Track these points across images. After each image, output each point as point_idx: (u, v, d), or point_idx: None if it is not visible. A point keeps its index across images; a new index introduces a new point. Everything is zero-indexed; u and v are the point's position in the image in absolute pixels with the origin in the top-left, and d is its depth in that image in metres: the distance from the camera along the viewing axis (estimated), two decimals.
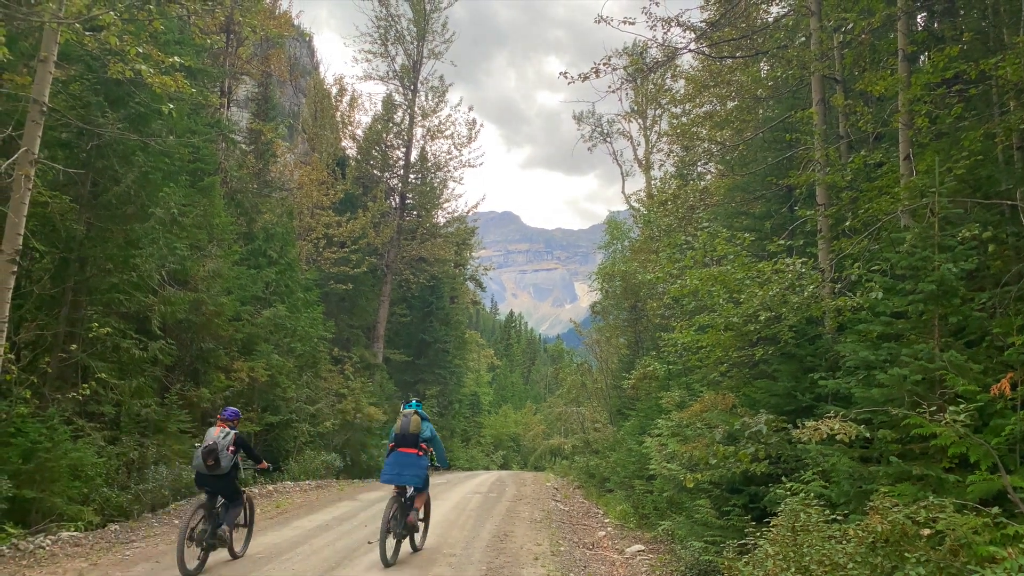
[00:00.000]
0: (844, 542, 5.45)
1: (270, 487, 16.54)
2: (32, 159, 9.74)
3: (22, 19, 10.11)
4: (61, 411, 10.73)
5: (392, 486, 9.00)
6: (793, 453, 7.99)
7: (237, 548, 8.72)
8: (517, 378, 78.31)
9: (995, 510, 5.05)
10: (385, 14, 33.63)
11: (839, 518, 5.98)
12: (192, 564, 7.76)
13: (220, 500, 8.37)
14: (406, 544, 9.11)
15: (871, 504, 5.58)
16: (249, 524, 9.09)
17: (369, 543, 9.63)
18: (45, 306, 11.55)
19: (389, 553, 8.47)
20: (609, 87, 13.65)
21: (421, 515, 9.52)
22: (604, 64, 12.38)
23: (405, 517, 8.84)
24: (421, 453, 9.15)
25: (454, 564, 8.80)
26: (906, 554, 5.04)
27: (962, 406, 5.59)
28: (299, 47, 57.37)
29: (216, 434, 8.26)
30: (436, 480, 22.74)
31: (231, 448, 8.26)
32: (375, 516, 12.77)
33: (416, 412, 9.34)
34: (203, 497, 8.24)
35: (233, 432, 8.38)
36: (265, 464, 9.27)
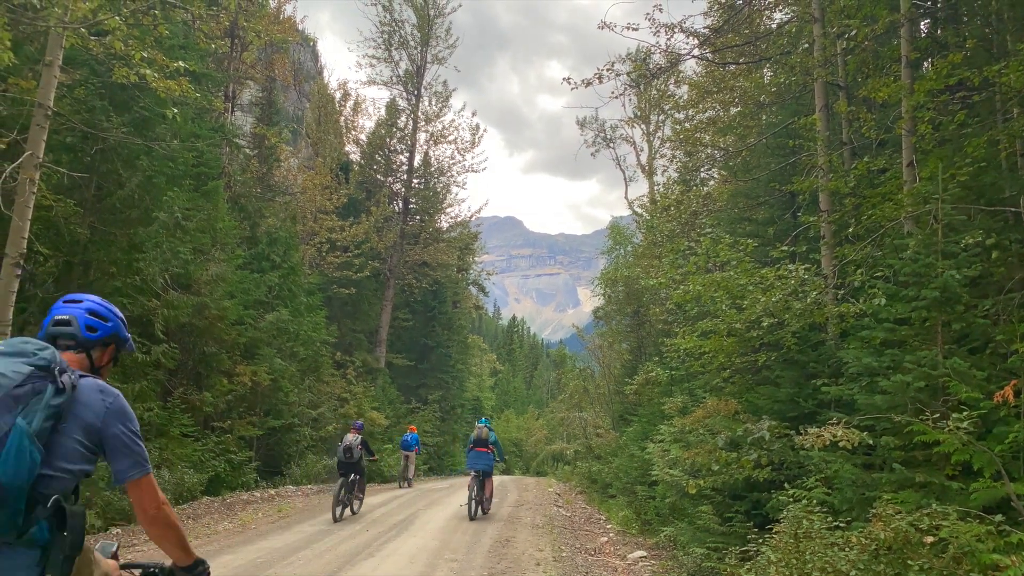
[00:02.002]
0: (847, 549, 5.44)
1: (272, 491, 16.54)
2: (37, 163, 9.78)
3: (28, 24, 10.15)
4: None
5: (471, 473, 13.90)
6: (796, 459, 7.97)
7: (355, 508, 13.68)
8: (519, 383, 78.26)
9: (998, 518, 5.04)
10: (389, 19, 33.76)
11: (842, 525, 5.97)
12: (338, 513, 12.59)
13: (351, 477, 13.32)
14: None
15: (874, 511, 5.57)
16: (361, 493, 14.01)
17: (461, 506, 14.28)
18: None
19: (474, 513, 13.40)
20: (612, 92, 13.68)
21: (489, 489, 14.23)
22: (607, 70, 12.41)
23: (483, 489, 13.76)
24: (490, 451, 14.01)
25: (456, 569, 8.79)
26: (909, 562, 5.02)
27: (965, 413, 5.57)
28: (303, 52, 57.59)
29: (351, 437, 13.65)
30: (439, 485, 22.75)
31: (359, 446, 13.56)
32: (377, 520, 12.77)
33: (486, 426, 14.53)
34: (341, 478, 13.22)
35: (360, 436, 13.78)
36: (376, 457, 15.84)
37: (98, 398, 2.26)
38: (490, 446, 14.06)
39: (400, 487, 20.35)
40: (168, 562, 2.53)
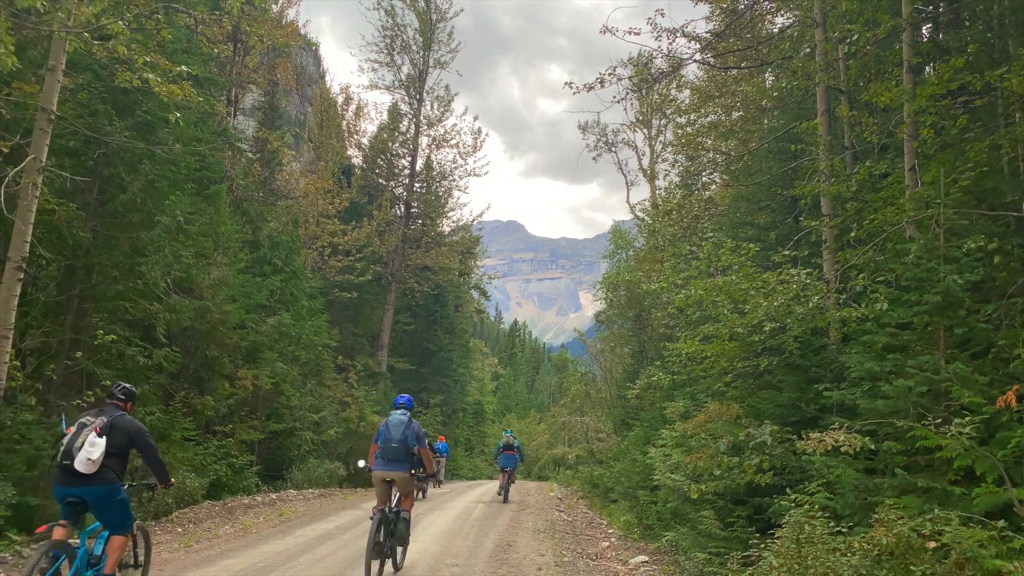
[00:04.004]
0: (849, 555, 5.43)
1: (273, 495, 16.53)
2: (40, 167, 9.80)
3: (31, 28, 10.18)
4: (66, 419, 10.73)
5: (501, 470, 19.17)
6: (798, 464, 7.96)
7: (423, 494, 18.39)
8: (521, 387, 78.18)
9: (1001, 523, 5.03)
10: (391, 24, 33.74)
11: (844, 530, 5.95)
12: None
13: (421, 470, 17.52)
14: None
15: (876, 516, 5.56)
16: (426, 484, 18.36)
17: (498, 493, 18.93)
18: (51, 313, 11.59)
19: (504, 497, 18.35)
20: (614, 97, 13.79)
21: (513, 482, 19.68)
22: (609, 74, 12.44)
23: (510, 481, 18.92)
24: (514, 453, 19.06)
25: (457, 574, 8.78)
26: (911, 567, 5.01)
27: (968, 418, 5.56)
28: (305, 56, 57.68)
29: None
30: (440, 490, 22.73)
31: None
32: None
33: (511, 435, 19.70)
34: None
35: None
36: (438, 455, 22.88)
37: (417, 425, 8.54)
38: (514, 450, 19.19)
39: (434, 487, 22.57)
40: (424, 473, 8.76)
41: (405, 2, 33.69)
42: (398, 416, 8.53)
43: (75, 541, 5.96)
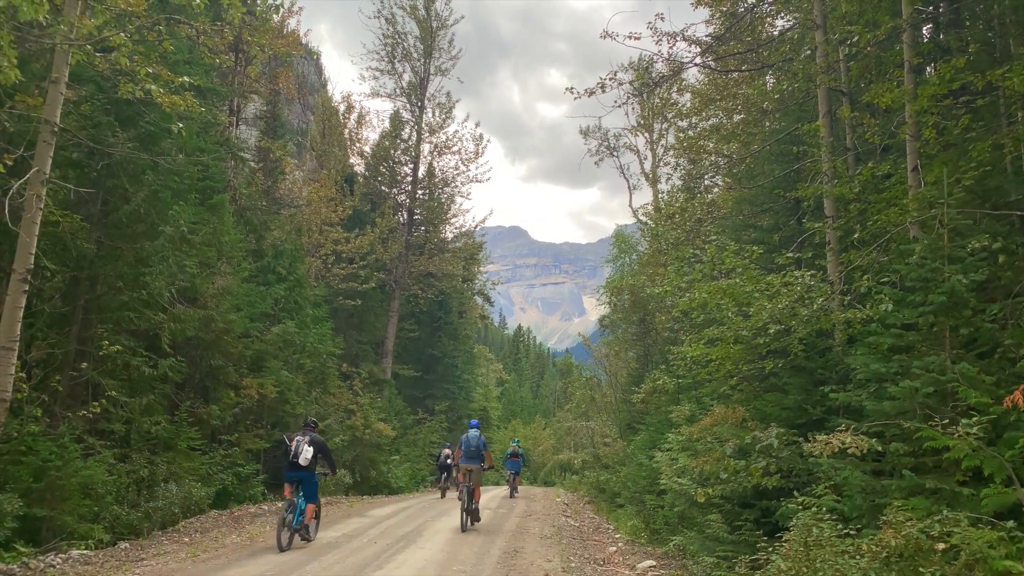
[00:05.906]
0: (858, 557, 5.41)
1: (280, 504, 16.50)
2: (43, 179, 9.84)
3: (34, 41, 10.24)
4: (72, 429, 10.74)
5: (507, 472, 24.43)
6: (804, 467, 7.93)
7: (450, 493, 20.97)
8: (526, 392, 78.09)
9: (1010, 524, 5.01)
10: (392, 32, 33.88)
11: (852, 532, 5.94)
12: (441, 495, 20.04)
13: (445, 475, 21.41)
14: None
15: (884, 518, 5.54)
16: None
17: (507, 490, 23.32)
18: (56, 324, 11.61)
19: (511, 494, 22.50)
20: (615, 102, 13.73)
21: (518, 483, 24.25)
22: (610, 79, 12.44)
23: (516, 482, 23.43)
24: (519, 459, 23.96)
25: None
26: (921, 569, 4.99)
27: (975, 418, 5.54)
28: (307, 65, 57.85)
29: (448, 451, 22.04)
30: (453, 494, 22.70)
31: (447, 457, 22.82)
32: (384, 533, 12.73)
33: (517, 444, 24.91)
34: (443, 473, 22.43)
35: (450, 451, 20.34)
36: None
37: (484, 437, 13.95)
38: (520, 456, 24.13)
39: (452, 490, 23.35)
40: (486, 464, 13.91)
41: (405, 10, 33.85)
42: (473, 432, 13.71)
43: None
